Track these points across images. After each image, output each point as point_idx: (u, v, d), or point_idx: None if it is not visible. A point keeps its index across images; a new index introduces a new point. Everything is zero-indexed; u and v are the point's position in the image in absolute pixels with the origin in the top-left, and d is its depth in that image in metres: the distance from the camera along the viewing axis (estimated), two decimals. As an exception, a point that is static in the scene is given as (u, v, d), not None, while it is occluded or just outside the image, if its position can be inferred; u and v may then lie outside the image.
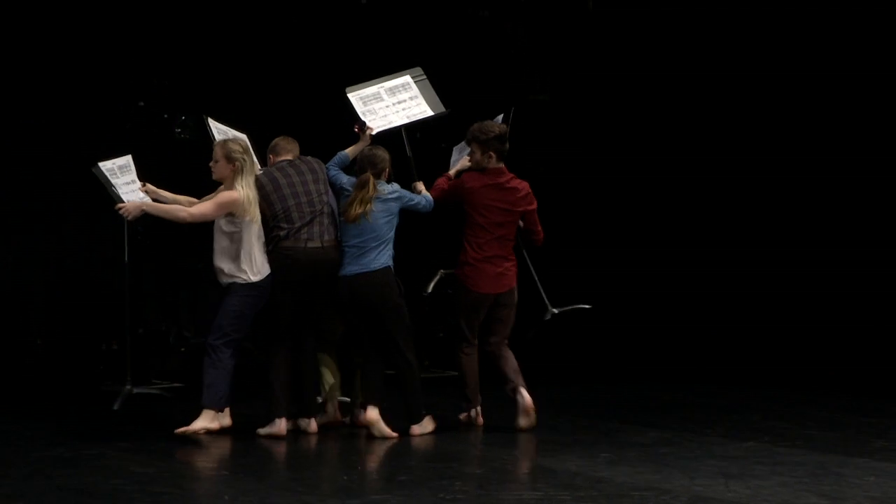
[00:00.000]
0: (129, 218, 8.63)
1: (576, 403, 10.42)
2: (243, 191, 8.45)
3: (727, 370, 12.04)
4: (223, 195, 8.49)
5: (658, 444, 8.37)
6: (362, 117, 9.05)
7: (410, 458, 7.97)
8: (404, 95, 9.21)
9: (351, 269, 8.58)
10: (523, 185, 8.94)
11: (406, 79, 9.29)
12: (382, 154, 8.73)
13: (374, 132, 8.99)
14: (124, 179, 9.53)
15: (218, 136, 9.08)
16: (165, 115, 11.65)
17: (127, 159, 9.62)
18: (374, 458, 7.95)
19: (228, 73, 12.03)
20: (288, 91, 12.05)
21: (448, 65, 12.08)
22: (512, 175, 8.91)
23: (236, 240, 8.48)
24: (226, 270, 8.53)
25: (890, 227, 11.90)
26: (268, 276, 8.53)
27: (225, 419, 8.63)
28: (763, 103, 12.57)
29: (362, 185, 8.63)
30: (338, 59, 12.03)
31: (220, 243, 8.56)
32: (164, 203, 8.81)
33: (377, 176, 8.66)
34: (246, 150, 8.63)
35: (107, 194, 9.72)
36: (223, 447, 8.30)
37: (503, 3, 12.61)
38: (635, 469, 7.53)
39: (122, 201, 9.14)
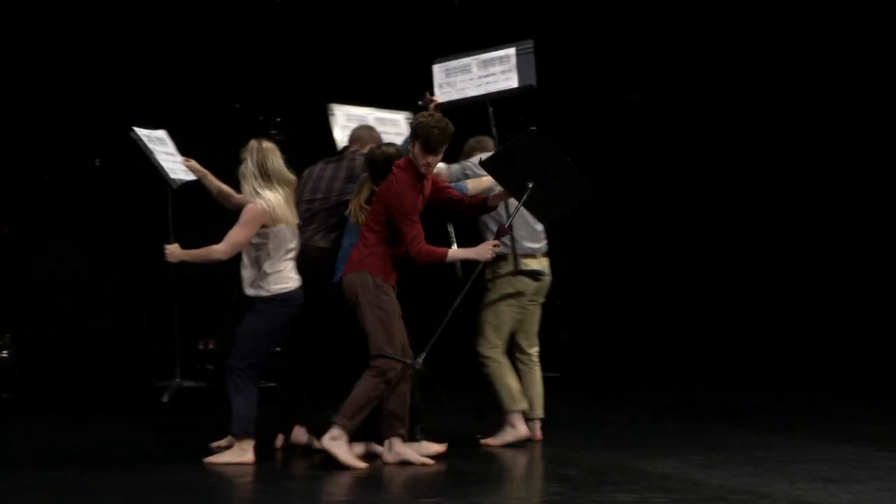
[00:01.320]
0: (173, 261, 7.87)
1: (669, 406, 10.39)
2: (262, 198, 7.78)
3: (819, 372, 11.96)
4: (244, 211, 7.78)
5: (753, 446, 8.32)
6: (437, 89, 8.80)
7: (504, 459, 7.97)
8: (497, 68, 8.82)
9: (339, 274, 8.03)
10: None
11: (509, 51, 8.84)
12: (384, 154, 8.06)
13: (437, 102, 8.54)
14: (162, 149, 9.03)
15: (150, 145, 8.79)
16: (261, 117, 11.75)
17: (162, 133, 9.14)
18: (469, 460, 7.95)
19: (320, 75, 12.12)
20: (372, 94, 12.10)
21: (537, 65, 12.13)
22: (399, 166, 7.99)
23: (261, 248, 7.86)
24: (248, 281, 7.93)
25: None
26: (293, 290, 7.87)
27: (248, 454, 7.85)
28: (766, 103, 12.52)
29: (360, 188, 8.16)
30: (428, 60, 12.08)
31: (246, 252, 7.90)
32: (212, 184, 8.28)
33: (375, 179, 8.04)
34: (252, 149, 7.88)
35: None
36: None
37: (593, 3, 12.62)
38: (731, 472, 7.48)
39: (164, 170, 8.81)
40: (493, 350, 8.63)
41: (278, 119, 11.68)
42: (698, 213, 13.02)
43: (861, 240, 12.15)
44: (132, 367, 11.77)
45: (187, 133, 11.69)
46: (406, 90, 11.77)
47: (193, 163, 8.52)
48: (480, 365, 8.63)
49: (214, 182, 8.28)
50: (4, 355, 11.29)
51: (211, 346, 11.58)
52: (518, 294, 8.65)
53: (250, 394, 7.73)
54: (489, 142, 8.71)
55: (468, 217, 8.31)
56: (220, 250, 7.71)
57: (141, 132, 8.88)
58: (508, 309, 8.64)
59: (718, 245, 12.92)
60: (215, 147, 11.65)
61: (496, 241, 7.84)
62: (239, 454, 7.70)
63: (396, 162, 7.87)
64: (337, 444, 7.63)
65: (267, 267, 7.77)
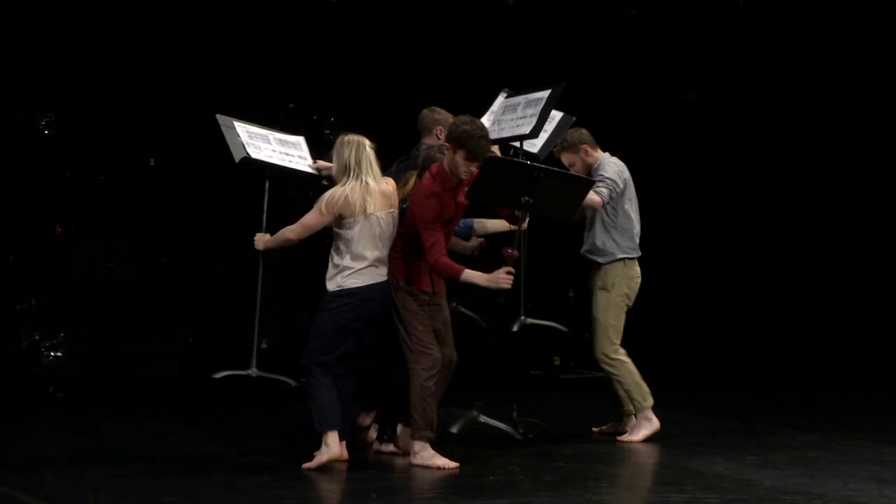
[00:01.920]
0: (259, 248, 8.10)
1: (721, 405, 10.35)
2: (341, 187, 7.67)
3: (872, 372, 11.89)
4: (321, 197, 7.73)
5: (807, 447, 8.28)
6: (487, 115, 8.83)
7: (557, 458, 7.96)
8: (530, 111, 8.65)
9: None
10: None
11: (544, 94, 8.66)
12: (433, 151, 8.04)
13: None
14: (296, 153, 8.95)
15: (245, 137, 8.72)
16: (315, 117, 11.80)
17: (299, 139, 9.05)
18: (520, 459, 7.94)
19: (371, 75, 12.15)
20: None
21: (592, 63, 12.12)
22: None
23: (338, 239, 7.71)
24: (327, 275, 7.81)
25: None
26: (357, 287, 7.64)
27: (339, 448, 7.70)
28: (771, 103, 12.43)
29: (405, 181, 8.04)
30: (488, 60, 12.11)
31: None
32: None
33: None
34: (341, 142, 7.73)
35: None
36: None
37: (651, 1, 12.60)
38: (785, 472, 7.45)
39: (246, 153, 8.68)
40: (619, 351, 8.64)
41: (332, 119, 11.72)
42: (728, 211, 12.94)
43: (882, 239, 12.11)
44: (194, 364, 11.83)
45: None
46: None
47: (321, 163, 8.55)
48: (608, 367, 8.59)
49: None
50: (59, 354, 11.39)
51: (264, 346, 11.61)
52: (630, 294, 8.69)
53: (320, 390, 7.57)
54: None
55: (510, 222, 8.29)
56: (291, 230, 7.77)
57: (239, 126, 8.84)
58: (624, 309, 8.68)
59: (753, 244, 12.82)
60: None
61: (509, 269, 7.73)
62: (325, 451, 7.53)
63: (433, 167, 7.83)
64: (420, 456, 7.61)
65: (336, 261, 7.67)
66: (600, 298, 8.66)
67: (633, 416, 8.64)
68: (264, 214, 8.55)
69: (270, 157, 8.71)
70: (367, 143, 7.70)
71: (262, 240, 8.08)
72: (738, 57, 12.55)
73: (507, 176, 7.78)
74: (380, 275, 7.66)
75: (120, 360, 11.73)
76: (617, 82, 12.48)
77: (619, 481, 7.47)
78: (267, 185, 8.73)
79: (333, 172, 7.75)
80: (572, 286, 12.06)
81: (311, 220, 7.68)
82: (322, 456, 7.51)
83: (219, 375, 8.52)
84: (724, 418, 9.57)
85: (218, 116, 8.87)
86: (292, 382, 8.54)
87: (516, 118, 8.69)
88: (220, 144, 11.65)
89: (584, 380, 11.56)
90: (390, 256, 7.73)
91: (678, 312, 12.61)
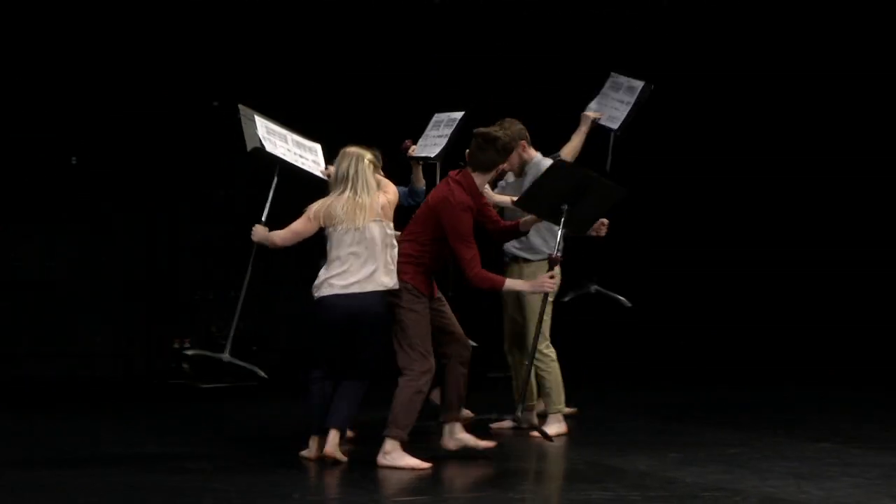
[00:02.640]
0: (254, 240, 8.04)
1: (644, 404, 10.39)
2: (330, 197, 7.78)
3: (798, 370, 11.98)
4: (309, 206, 7.88)
5: (729, 444, 8.33)
6: (421, 139, 8.99)
7: (479, 456, 7.96)
8: (446, 130, 8.93)
9: None
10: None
11: (457, 115, 8.95)
12: None
13: (412, 154, 8.95)
14: (310, 157, 8.78)
15: (263, 131, 8.61)
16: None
17: (316, 146, 8.88)
18: (443, 458, 7.93)
19: (305, 74, 12.10)
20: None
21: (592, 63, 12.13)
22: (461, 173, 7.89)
23: (327, 249, 7.85)
24: None
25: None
26: (328, 295, 7.71)
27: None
28: (773, 102, 12.46)
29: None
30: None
31: None
32: None
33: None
34: (342, 155, 7.82)
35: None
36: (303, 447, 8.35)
37: None
38: (706, 469, 7.49)
39: (260, 144, 8.46)
40: (550, 348, 8.71)
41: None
42: (700, 212, 12.95)
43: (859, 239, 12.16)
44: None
45: (166, 132, 11.77)
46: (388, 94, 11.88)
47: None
48: (541, 363, 8.59)
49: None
50: None
51: (187, 346, 11.54)
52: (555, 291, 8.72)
53: (309, 399, 7.83)
54: None
55: (498, 240, 8.32)
56: (279, 234, 7.88)
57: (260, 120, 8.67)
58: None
59: (743, 244, 12.78)
60: (196, 146, 11.81)
61: (552, 273, 7.85)
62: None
63: (453, 174, 7.81)
64: (391, 456, 7.59)
65: (322, 270, 7.76)
66: (535, 295, 8.64)
67: (533, 412, 8.75)
68: (267, 205, 8.38)
69: (284, 154, 8.58)
70: (368, 156, 7.77)
71: (260, 232, 8.01)
72: (738, 55, 12.49)
73: (563, 180, 7.78)
74: (364, 285, 7.65)
75: (49, 360, 11.62)
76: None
77: (541, 479, 7.50)
78: (275, 181, 8.52)
79: (330, 181, 7.89)
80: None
81: (299, 226, 7.80)
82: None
83: (190, 353, 8.48)
84: (652, 418, 9.60)
85: (240, 106, 8.75)
86: (262, 374, 8.50)
87: (434, 136, 8.96)
88: (144, 142, 11.73)
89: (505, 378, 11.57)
90: (399, 262, 7.75)
91: (669, 312, 12.61)
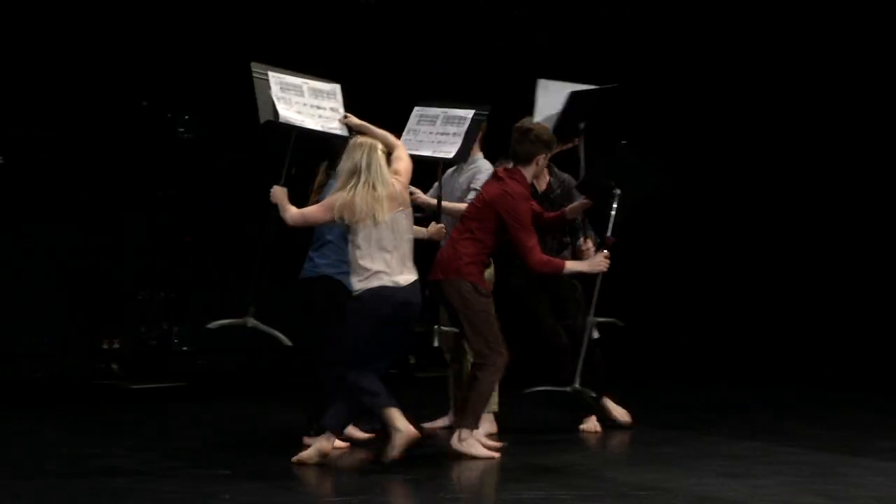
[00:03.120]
0: (272, 200, 7.81)
1: (576, 403, 10.38)
2: (347, 192, 7.58)
3: (730, 370, 12.03)
4: (327, 198, 7.74)
5: (661, 443, 8.35)
6: (404, 133, 8.57)
7: (409, 457, 7.94)
8: (451, 129, 8.57)
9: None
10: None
11: (468, 114, 8.55)
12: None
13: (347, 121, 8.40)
14: (328, 104, 8.43)
15: (277, 90, 8.28)
16: (169, 115, 11.66)
17: (334, 87, 8.51)
18: (374, 459, 7.90)
19: (232, 71, 12.02)
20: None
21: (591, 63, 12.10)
22: (507, 170, 8.18)
23: (352, 243, 7.67)
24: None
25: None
26: (378, 287, 7.56)
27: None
28: (772, 102, 12.46)
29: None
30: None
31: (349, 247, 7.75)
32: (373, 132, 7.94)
33: (333, 165, 8.13)
34: (353, 145, 7.72)
35: None
36: (225, 449, 8.30)
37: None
38: (638, 468, 7.52)
39: (274, 113, 8.15)
40: None
41: (186, 117, 11.59)
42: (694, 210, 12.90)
43: (855, 239, 12.13)
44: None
45: (93, 132, 11.65)
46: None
47: (352, 119, 8.21)
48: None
49: (375, 131, 7.99)
50: None
51: (116, 346, 11.47)
52: None
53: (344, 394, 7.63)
54: None
55: (546, 231, 8.40)
56: (291, 213, 7.70)
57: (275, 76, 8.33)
58: None
59: (712, 244, 12.74)
60: (123, 146, 11.72)
61: (606, 253, 8.06)
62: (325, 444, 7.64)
63: (500, 170, 8.06)
64: (467, 443, 7.79)
65: (355, 263, 7.59)
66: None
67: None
68: (284, 170, 8.11)
69: (300, 114, 8.28)
70: (380, 147, 7.68)
71: (279, 194, 7.79)
72: (739, 54, 12.43)
73: (622, 166, 8.28)
74: (392, 280, 7.55)
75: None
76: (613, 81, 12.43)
77: (473, 479, 7.47)
78: (292, 141, 8.27)
79: (340, 172, 7.68)
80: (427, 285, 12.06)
81: (314, 214, 7.68)
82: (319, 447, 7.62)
83: (213, 325, 8.34)
84: (580, 414, 9.57)
85: (252, 65, 8.42)
86: (287, 342, 8.31)
87: (436, 133, 8.62)
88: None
89: (441, 378, 11.55)
90: (460, 261, 7.87)
91: (668, 312, 12.59)
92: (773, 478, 7.19)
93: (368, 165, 7.56)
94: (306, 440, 8.04)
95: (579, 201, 8.44)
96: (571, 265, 8.10)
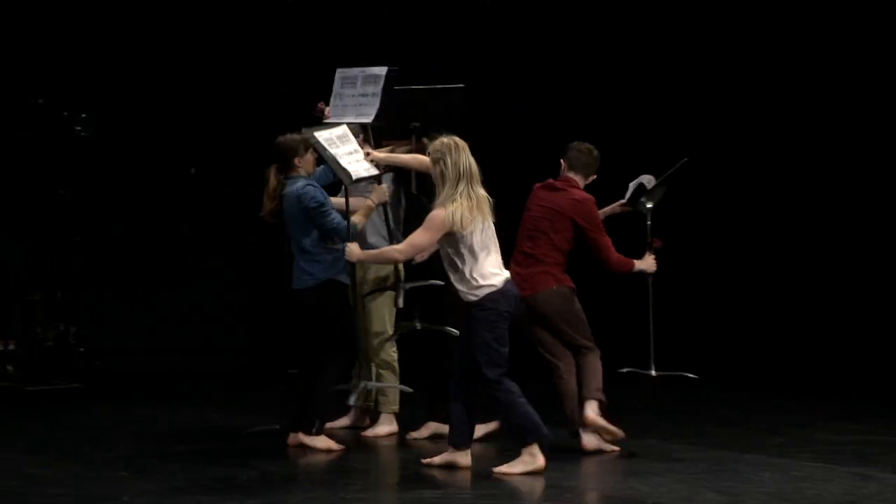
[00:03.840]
0: (352, 260, 7.75)
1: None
2: (450, 200, 7.33)
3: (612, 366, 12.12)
4: (430, 217, 7.37)
5: (559, 442, 8.39)
6: (332, 99, 8.41)
7: (310, 456, 7.94)
8: (369, 89, 8.32)
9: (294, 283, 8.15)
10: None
11: (381, 71, 8.34)
12: (290, 141, 8.04)
13: (328, 118, 8.33)
14: (345, 149, 8.09)
15: (330, 148, 8.03)
16: (65, 113, 11.53)
17: (343, 129, 8.16)
18: (275, 458, 7.90)
19: (132, 68, 11.93)
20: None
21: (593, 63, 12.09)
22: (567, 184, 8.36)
23: (458, 255, 7.40)
24: (459, 288, 7.48)
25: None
26: (500, 287, 7.41)
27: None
28: (774, 102, 12.35)
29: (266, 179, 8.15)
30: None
31: (448, 259, 7.47)
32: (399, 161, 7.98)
33: (283, 168, 8.06)
34: (450, 151, 7.40)
35: None
36: (121, 450, 8.24)
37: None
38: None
39: (348, 173, 7.85)
40: (395, 351, 8.71)
41: (84, 115, 11.47)
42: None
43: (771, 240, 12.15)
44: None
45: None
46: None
47: (375, 154, 8.01)
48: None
49: (403, 158, 7.98)
50: None
51: (11, 347, 11.31)
52: None
53: (517, 402, 7.37)
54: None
55: None
56: (398, 250, 7.56)
57: (320, 136, 7.98)
58: None
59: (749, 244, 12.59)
60: (17, 144, 11.57)
61: (654, 255, 8.48)
62: (530, 461, 7.34)
63: (556, 182, 8.27)
64: (601, 418, 8.03)
65: (469, 273, 7.36)
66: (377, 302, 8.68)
67: (367, 413, 8.79)
68: (348, 223, 7.97)
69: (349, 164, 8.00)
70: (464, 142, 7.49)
71: (354, 251, 7.68)
72: (743, 54, 12.26)
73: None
74: (504, 278, 7.46)
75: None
76: (615, 81, 12.43)
77: (373, 479, 7.49)
78: (346, 194, 8.13)
79: (440, 178, 7.36)
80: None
81: (424, 240, 7.40)
82: (527, 465, 7.32)
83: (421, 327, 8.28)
84: (486, 416, 9.59)
85: (304, 131, 8.14)
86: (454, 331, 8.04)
87: (357, 95, 8.38)
88: None
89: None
90: (551, 270, 8.12)
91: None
92: (668, 475, 7.28)
93: (469, 167, 7.37)
94: (293, 439, 8.04)
95: (614, 204, 8.66)
96: (638, 264, 8.42)
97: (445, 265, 7.47)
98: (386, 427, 8.63)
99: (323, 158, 8.06)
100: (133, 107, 11.93)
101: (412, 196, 8.45)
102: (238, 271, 12.29)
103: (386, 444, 8.45)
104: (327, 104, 8.53)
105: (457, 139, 7.44)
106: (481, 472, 7.38)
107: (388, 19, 12.20)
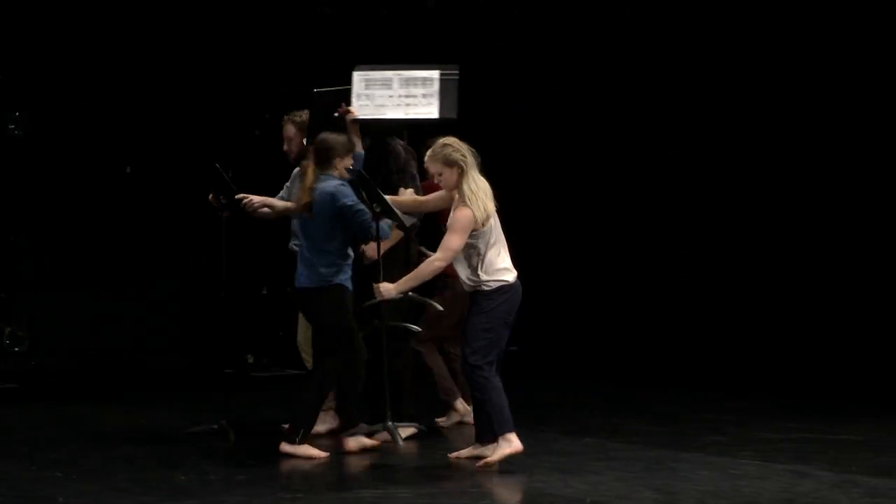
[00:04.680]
0: (388, 297, 7.68)
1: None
2: (475, 199, 7.41)
3: (560, 366, 12.19)
4: (459, 216, 7.41)
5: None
6: (354, 100, 8.37)
7: (249, 457, 7.92)
8: (418, 90, 8.41)
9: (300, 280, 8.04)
10: None
11: (433, 74, 8.40)
12: (333, 141, 7.99)
13: (354, 117, 8.29)
14: (419, 91, 8.28)
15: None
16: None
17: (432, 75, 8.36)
18: (212, 459, 7.87)
19: (64, 67, 11.86)
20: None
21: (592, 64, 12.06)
22: None
23: (472, 248, 7.47)
24: (465, 279, 7.55)
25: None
26: (512, 281, 7.52)
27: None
28: (771, 101, 12.31)
29: (303, 173, 8.08)
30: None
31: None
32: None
33: (321, 164, 7.96)
34: (459, 147, 7.51)
35: None
36: (59, 451, 8.19)
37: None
38: (473, 466, 7.56)
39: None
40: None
41: (17, 113, 11.40)
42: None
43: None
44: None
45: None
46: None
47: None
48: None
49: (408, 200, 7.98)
50: None
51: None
52: None
53: (494, 391, 7.45)
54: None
55: None
56: (439, 258, 7.47)
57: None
58: None
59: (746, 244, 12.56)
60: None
61: None
62: (506, 446, 7.43)
63: None
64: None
65: (480, 265, 7.45)
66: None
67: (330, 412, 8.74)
68: (380, 260, 8.00)
69: (383, 108, 8.28)
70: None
71: (390, 289, 7.61)
72: (741, 53, 12.24)
73: None
74: (513, 273, 7.55)
75: None
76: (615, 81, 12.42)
77: (313, 479, 7.48)
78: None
79: (458, 179, 7.43)
80: (265, 283, 12.06)
81: (459, 242, 7.39)
82: (505, 450, 7.41)
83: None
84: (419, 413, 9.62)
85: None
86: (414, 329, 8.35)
87: (398, 96, 8.39)
88: None
89: (279, 377, 11.55)
90: None
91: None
92: (607, 473, 7.32)
93: (474, 163, 7.48)
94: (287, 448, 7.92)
95: None
96: None
97: (461, 260, 7.47)
98: (325, 425, 8.61)
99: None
100: (67, 104, 11.85)
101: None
102: (177, 270, 12.25)
103: (330, 442, 8.43)
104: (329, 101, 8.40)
105: (455, 140, 7.53)
106: (423, 472, 7.41)
107: (388, 20, 12.20)
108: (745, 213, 12.21)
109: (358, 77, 8.44)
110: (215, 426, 8.49)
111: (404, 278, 7.67)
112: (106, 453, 8.00)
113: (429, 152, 7.58)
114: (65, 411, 9.85)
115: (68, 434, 8.75)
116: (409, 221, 8.09)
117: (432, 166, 7.54)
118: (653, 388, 11.01)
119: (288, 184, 8.66)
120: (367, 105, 8.33)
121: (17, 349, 11.44)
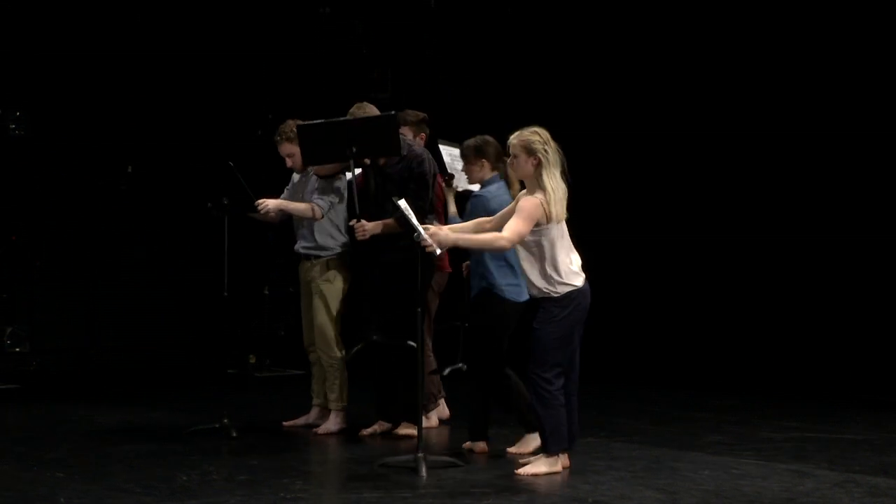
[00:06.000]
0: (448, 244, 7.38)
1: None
2: (552, 197, 7.21)
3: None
4: (526, 204, 7.22)
5: (497, 440, 8.41)
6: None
7: (252, 456, 7.92)
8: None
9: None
10: None
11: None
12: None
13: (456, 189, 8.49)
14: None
15: (449, 160, 8.38)
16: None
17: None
18: (215, 458, 7.88)
19: (64, 68, 11.88)
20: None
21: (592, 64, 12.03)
22: None
23: (539, 246, 7.28)
24: (535, 283, 7.34)
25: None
26: (580, 287, 7.33)
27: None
28: (770, 95, 12.28)
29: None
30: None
31: (526, 252, 7.34)
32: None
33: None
34: (547, 141, 7.30)
35: None
36: (59, 451, 8.19)
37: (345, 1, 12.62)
38: (476, 466, 7.58)
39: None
40: (342, 349, 8.74)
41: (17, 113, 11.41)
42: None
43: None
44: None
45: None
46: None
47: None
48: (333, 363, 8.65)
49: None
50: None
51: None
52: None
53: (557, 408, 7.30)
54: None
55: None
56: (506, 238, 7.14)
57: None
58: None
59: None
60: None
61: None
62: (553, 462, 7.33)
63: None
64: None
65: (549, 267, 7.26)
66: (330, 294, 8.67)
67: (320, 410, 8.83)
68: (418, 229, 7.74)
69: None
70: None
71: (446, 235, 7.27)
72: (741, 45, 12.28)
73: None
74: (583, 276, 7.38)
75: None
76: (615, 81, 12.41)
77: (314, 478, 7.48)
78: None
79: (535, 169, 7.24)
80: (267, 283, 12.05)
81: (525, 228, 7.16)
82: (546, 468, 7.31)
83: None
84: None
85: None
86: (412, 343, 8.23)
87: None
88: None
89: (281, 378, 11.54)
90: None
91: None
92: (608, 473, 7.33)
93: (561, 158, 7.32)
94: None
95: None
96: None
97: (527, 261, 7.32)
98: (336, 424, 8.63)
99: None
100: (67, 104, 11.87)
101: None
102: (179, 270, 12.26)
103: (334, 441, 8.43)
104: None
105: (545, 132, 7.34)
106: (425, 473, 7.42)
107: (388, 19, 12.21)
108: (744, 213, 12.20)
109: (445, 151, 8.77)
110: (217, 425, 8.50)
111: (465, 235, 7.39)
112: (106, 453, 8.00)
113: (516, 132, 7.38)
114: (65, 411, 9.84)
115: (68, 434, 8.75)
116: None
117: (513, 148, 7.35)
118: (654, 388, 11.00)
119: (288, 187, 8.77)
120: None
121: (17, 349, 11.44)
